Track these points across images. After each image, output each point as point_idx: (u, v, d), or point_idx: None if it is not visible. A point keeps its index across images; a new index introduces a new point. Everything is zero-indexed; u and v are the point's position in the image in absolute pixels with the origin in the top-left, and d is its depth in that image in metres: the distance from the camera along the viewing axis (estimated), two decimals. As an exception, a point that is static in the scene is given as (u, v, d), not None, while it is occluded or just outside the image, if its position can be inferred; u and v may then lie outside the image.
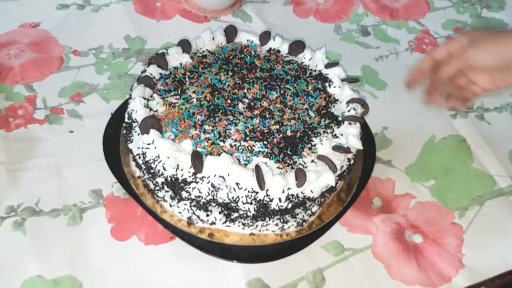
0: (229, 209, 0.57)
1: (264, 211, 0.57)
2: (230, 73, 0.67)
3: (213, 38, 0.72)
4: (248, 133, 0.60)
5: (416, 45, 0.91)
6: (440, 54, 0.65)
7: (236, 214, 0.58)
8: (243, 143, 0.59)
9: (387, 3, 0.99)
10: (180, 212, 0.60)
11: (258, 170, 0.55)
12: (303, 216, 0.60)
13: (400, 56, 0.89)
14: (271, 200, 0.56)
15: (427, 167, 0.73)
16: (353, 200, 0.65)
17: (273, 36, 0.74)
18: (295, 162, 0.58)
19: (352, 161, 0.62)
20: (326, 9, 0.97)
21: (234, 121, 0.62)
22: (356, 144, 0.61)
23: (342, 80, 0.68)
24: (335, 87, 0.67)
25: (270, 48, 0.73)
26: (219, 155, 0.57)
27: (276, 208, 0.56)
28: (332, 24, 0.94)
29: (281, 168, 0.57)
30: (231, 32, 0.73)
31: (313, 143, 0.61)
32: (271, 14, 0.95)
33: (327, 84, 0.68)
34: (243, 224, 0.59)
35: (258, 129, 0.61)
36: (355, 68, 0.85)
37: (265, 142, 0.60)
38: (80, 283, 0.58)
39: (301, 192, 0.56)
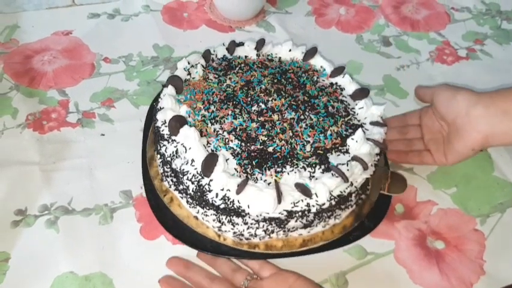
0: (176, 177, 0.60)
1: (200, 196, 0.57)
2: (275, 81, 0.69)
3: (290, 50, 0.74)
4: (237, 130, 0.62)
5: (436, 56, 0.92)
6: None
7: (181, 186, 0.60)
8: (225, 134, 0.61)
9: (408, 14, 1.01)
10: (159, 165, 0.65)
11: (211, 157, 0.56)
12: (243, 229, 0.58)
13: (421, 66, 0.90)
14: (209, 191, 0.56)
15: (449, 174, 0.74)
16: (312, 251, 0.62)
17: (345, 72, 0.71)
18: (254, 174, 0.58)
19: (314, 209, 0.56)
20: (348, 20, 0.99)
21: (237, 115, 0.64)
22: (322, 197, 0.56)
23: (368, 139, 0.62)
24: (352, 139, 0.62)
25: (336, 83, 0.71)
26: (200, 131, 0.60)
27: (210, 201, 0.57)
28: (354, 34, 0.96)
29: (237, 171, 0.58)
30: (310, 53, 0.74)
31: (283, 170, 0.58)
32: (294, 24, 0.97)
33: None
34: (187, 202, 0.61)
35: (248, 131, 0.62)
36: (377, 77, 0.87)
37: (243, 144, 0.61)
38: (110, 280, 0.60)
39: (238, 201, 0.55)
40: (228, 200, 0.56)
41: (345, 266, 0.63)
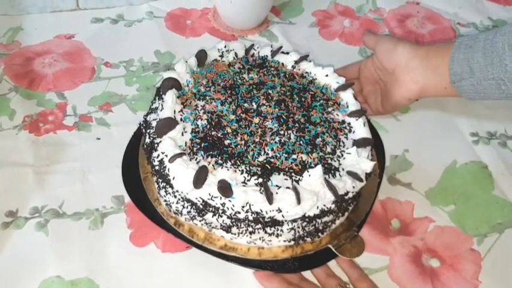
0: (145, 128, 0.62)
1: (149, 151, 0.60)
2: (287, 93, 0.67)
3: (327, 75, 0.71)
4: (214, 113, 0.62)
5: (440, 71, 0.91)
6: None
7: (146, 140, 0.62)
8: (201, 112, 0.62)
9: (413, 28, 1.00)
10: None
11: (170, 121, 0.59)
12: (172, 202, 0.59)
13: (424, 81, 0.89)
14: (155, 150, 0.59)
15: (447, 191, 0.73)
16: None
17: (352, 93, 0.68)
18: (196, 154, 0.58)
19: (228, 212, 0.55)
20: (352, 32, 0.98)
21: (225, 103, 0.64)
22: (238, 203, 0.54)
23: (327, 182, 0.56)
24: (307, 172, 0.57)
25: (349, 124, 0.65)
26: (186, 100, 0.63)
27: (152, 159, 0.59)
28: (357, 46, 0.95)
29: (185, 145, 0.59)
30: (344, 86, 0.69)
31: (224, 164, 0.57)
32: (297, 35, 0.97)
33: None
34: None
35: (222, 119, 0.62)
36: None
37: (208, 126, 0.61)
38: (97, 286, 0.59)
39: (168, 169, 0.56)
40: (162, 164, 0.57)
41: (337, 280, 0.62)
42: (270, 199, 0.53)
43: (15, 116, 0.76)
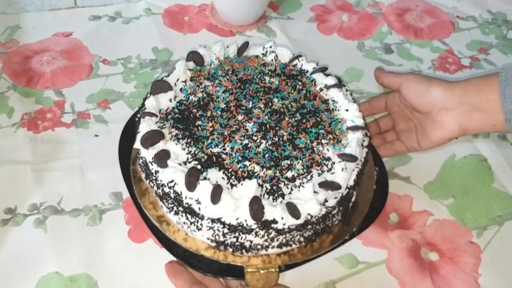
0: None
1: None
2: (293, 109, 0.64)
3: (347, 110, 0.65)
4: (210, 96, 0.64)
5: (439, 64, 0.91)
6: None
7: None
8: (199, 90, 0.65)
9: (412, 22, 1.00)
10: None
11: (165, 85, 0.63)
12: (143, 158, 0.60)
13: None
14: (143, 105, 0.62)
15: (446, 185, 0.72)
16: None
17: (360, 138, 0.61)
18: (167, 121, 0.61)
19: (162, 180, 0.56)
20: (350, 27, 0.98)
21: (228, 92, 0.65)
22: (165, 176, 0.55)
23: (287, 204, 0.54)
24: (242, 183, 0.55)
25: (332, 163, 0.59)
26: (198, 76, 0.67)
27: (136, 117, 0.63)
28: (356, 41, 0.95)
29: (164, 110, 0.62)
30: (356, 127, 0.62)
31: (180, 140, 0.59)
32: (295, 30, 0.97)
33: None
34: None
35: (212, 104, 0.63)
36: (376, 85, 0.84)
37: (195, 104, 0.63)
38: (95, 282, 0.59)
39: (138, 124, 0.60)
40: (139, 122, 0.61)
41: (335, 274, 0.62)
42: (189, 185, 0.54)
43: (14, 114, 0.76)
